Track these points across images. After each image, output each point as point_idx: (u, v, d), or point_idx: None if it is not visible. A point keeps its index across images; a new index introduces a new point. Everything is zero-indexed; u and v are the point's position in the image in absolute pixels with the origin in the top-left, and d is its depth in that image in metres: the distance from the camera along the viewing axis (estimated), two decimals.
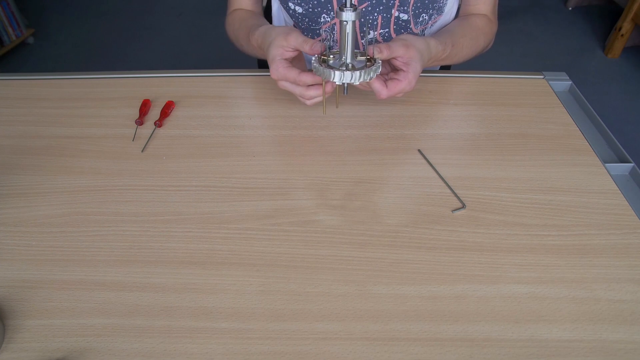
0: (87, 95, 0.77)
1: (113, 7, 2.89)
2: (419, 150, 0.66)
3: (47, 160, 0.65)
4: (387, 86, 0.61)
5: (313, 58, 0.60)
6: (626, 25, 2.27)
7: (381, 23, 0.76)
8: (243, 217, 0.56)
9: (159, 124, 0.69)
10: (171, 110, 0.73)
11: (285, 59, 0.63)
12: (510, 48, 2.47)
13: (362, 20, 0.76)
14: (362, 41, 0.78)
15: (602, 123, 0.72)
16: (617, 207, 0.58)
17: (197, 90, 0.78)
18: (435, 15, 0.78)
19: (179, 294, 0.48)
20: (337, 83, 0.59)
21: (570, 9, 2.82)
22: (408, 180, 0.61)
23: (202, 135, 0.69)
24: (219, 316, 0.46)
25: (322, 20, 0.76)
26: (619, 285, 0.49)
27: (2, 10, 2.30)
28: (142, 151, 0.66)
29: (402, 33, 0.78)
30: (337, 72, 0.57)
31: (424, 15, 0.77)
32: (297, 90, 0.63)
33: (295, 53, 0.64)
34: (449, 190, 0.60)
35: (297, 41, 0.61)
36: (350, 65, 0.59)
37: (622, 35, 2.31)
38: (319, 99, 0.64)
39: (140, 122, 0.70)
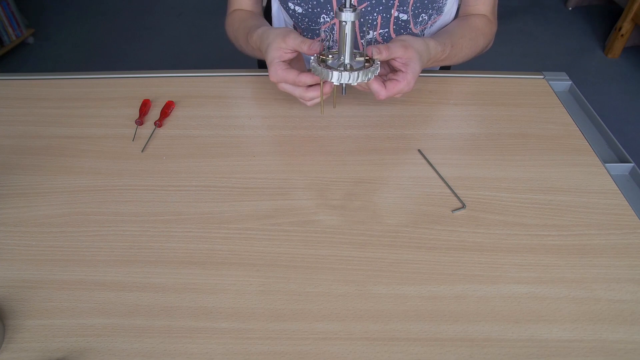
0: (87, 95, 0.77)
1: (113, 7, 2.89)
2: (419, 150, 0.66)
3: (47, 160, 0.65)
4: (385, 87, 0.61)
5: (312, 58, 0.61)
6: (626, 25, 2.27)
7: (381, 23, 0.76)
8: (243, 217, 0.56)
9: (159, 124, 0.69)
10: (171, 110, 0.73)
11: (284, 61, 0.63)
12: (510, 48, 2.47)
13: (362, 20, 0.76)
14: (362, 41, 0.78)
15: (602, 123, 0.72)
16: (617, 207, 0.58)
17: (197, 90, 0.78)
18: (435, 16, 0.78)
19: (179, 294, 0.48)
20: (335, 83, 0.59)
21: (570, 9, 2.82)
22: (408, 180, 0.61)
23: (202, 135, 0.69)
24: (219, 316, 0.46)
25: (322, 20, 0.76)
26: (619, 285, 0.49)
27: (2, 10, 2.30)
28: (142, 151, 0.66)
29: (402, 33, 0.78)
30: (335, 73, 0.57)
31: (424, 15, 0.77)
32: (297, 91, 0.63)
33: (294, 54, 0.64)
34: (449, 190, 0.60)
35: (295, 42, 0.61)
36: (348, 65, 0.59)
37: (622, 35, 2.31)
38: (319, 99, 0.64)
39: (140, 122, 0.70)
